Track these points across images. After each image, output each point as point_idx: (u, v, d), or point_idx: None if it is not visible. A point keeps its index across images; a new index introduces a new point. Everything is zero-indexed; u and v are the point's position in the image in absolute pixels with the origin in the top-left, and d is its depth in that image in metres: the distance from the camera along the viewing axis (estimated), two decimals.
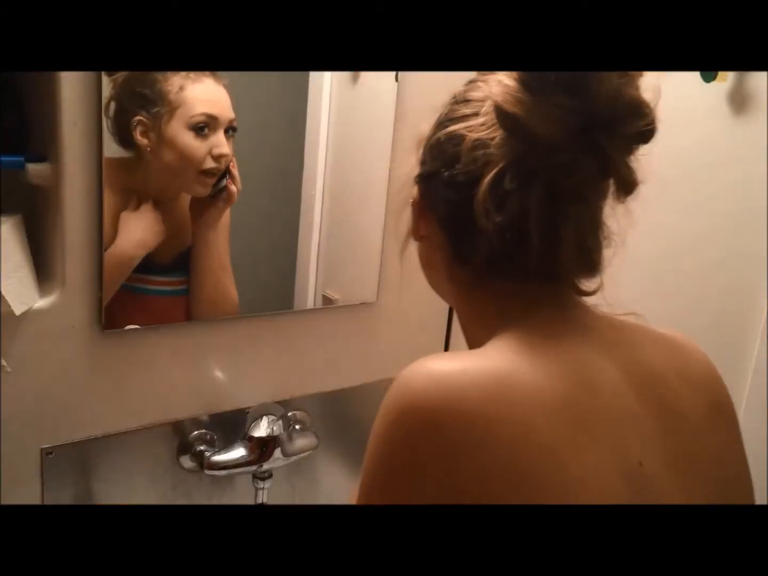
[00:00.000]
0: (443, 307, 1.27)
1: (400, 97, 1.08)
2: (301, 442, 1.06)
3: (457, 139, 0.56)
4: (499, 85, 0.53)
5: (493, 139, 0.53)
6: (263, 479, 1.03)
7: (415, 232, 0.63)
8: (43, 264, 0.86)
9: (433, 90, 1.13)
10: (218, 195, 0.89)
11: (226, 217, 0.95)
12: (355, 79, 1.08)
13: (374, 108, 1.10)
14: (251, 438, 1.00)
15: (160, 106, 0.80)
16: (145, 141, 0.81)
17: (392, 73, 1.07)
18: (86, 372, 0.91)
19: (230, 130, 0.87)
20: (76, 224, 0.85)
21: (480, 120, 0.55)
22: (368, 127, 1.11)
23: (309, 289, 1.13)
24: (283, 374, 1.09)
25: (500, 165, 0.52)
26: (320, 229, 1.12)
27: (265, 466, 1.01)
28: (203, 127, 0.83)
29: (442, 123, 0.59)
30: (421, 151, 0.62)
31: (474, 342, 0.59)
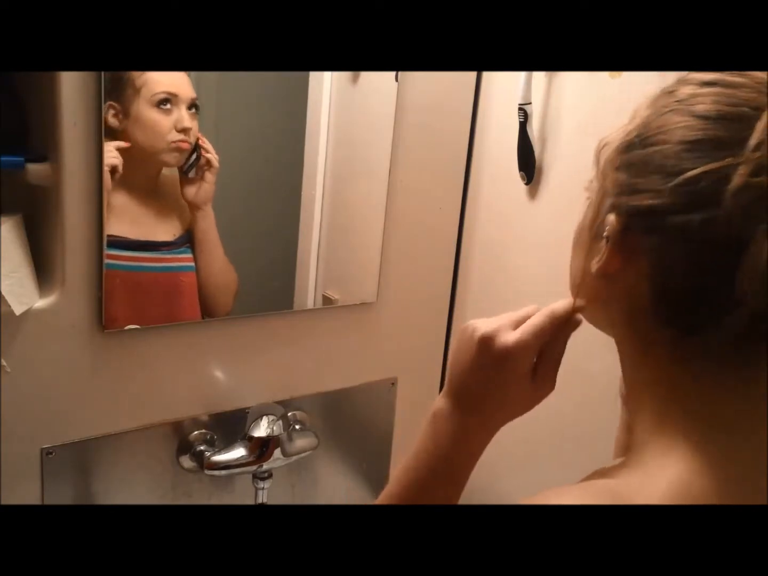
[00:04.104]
0: (443, 307, 1.27)
1: (400, 97, 1.08)
2: (301, 442, 1.06)
3: (719, 177, 0.41)
4: None
5: None
6: (263, 479, 1.03)
7: (603, 268, 0.48)
8: (43, 264, 0.86)
9: (433, 90, 1.14)
10: (191, 169, 0.97)
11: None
12: (355, 79, 1.08)
13: (374, 108, 1.10)
14: (251, 438, 1.00)
15: (127, 89, 0.89)
16: (116, 122, 0.89)
17: (392, 73, 1.07)
18: (86, 372, 0.91)
19: (193, 107, 0.95)
20: (76, 224, 0.85)
21: (755, 154, 0.40)
22: (368, 127, 1.12)
23: (309, 289, 1.13)
24: (283, 374, 1.09)
25: None
26: (320, 229, 1.12)
27: (265, 466, 1.01)
28: (166, 101, 0.91)
29: (682, 144, 0.43)
30: (621, 170, 0.47)
31: (637, 419, 0.49)
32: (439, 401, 0.58)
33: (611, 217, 0.47)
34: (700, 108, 0.43)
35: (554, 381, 0.56)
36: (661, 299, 0.45)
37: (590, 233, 0.50)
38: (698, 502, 0.41)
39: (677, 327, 0.45)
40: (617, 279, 0.48)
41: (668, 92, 0.46)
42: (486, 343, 0.54)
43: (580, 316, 0.55)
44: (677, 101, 0.45)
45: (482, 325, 0.55)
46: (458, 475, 0.58)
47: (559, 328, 0.55)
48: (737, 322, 0.42)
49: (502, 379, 0.54)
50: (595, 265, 0.48)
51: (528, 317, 0.55)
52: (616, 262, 0.47)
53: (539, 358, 0.55)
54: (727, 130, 0.42)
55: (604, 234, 0.47)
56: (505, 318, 0.56)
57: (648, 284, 0.46)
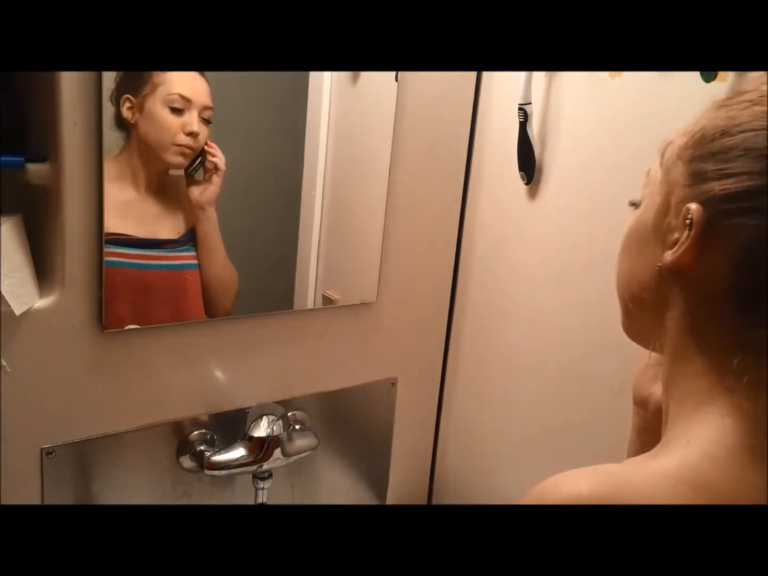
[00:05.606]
0: (443, 307, 1.27)
1: (400, 97, 1.08)
2: (301, 442, 1.06)
3: None
4: None
5: None
6: (263, 479, 1.03)
7: (680, 259, 0.47)
8: (43, 264, 0.86)
9: (433, 90, 1.14)
10: (195, 172, 0.98)
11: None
12: (355, 79, 1.08)
13: (374, 108, 1.10)
14: (251, 438, 1.00)
15: (145, 85, 0.92)
16: (129, 115, 0.91)
17: (392, 73, 1.07)
18: (86, 372, 0.91)
19: (206, 120, 0.96)
20: (76, 224, 0.85)
21: None
22: (368, 127, 1.12)
23: (309, 289, 1.13)
24: (283, 374, 1.09)
25: None
26: (320, 229, 1.12)
27: (265, 466, 1.01)
28: (179, 104, 0.93)
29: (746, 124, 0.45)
30: (700, 160, 0.48)
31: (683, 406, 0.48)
32: None
33: (692, 206, 0.46)
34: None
35: None
36: (747, 282, 0.45)
37: (657, 230, 0.50)
38: (706, 490, 0.42)
39: (759, 311, 0.44)
40: (690, 270, 0.47)
41: (744, 92, 0.47)
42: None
43: None
44: (761, 96, 0.46)
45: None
46: None
47: None
48: None
49: None
50: (669, 257, 0.48)
51: None
52: (694, 251, 0.46)
53: None
54: None
55: (687, 223, 0.46)
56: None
57: (730, 268, 0.45)
